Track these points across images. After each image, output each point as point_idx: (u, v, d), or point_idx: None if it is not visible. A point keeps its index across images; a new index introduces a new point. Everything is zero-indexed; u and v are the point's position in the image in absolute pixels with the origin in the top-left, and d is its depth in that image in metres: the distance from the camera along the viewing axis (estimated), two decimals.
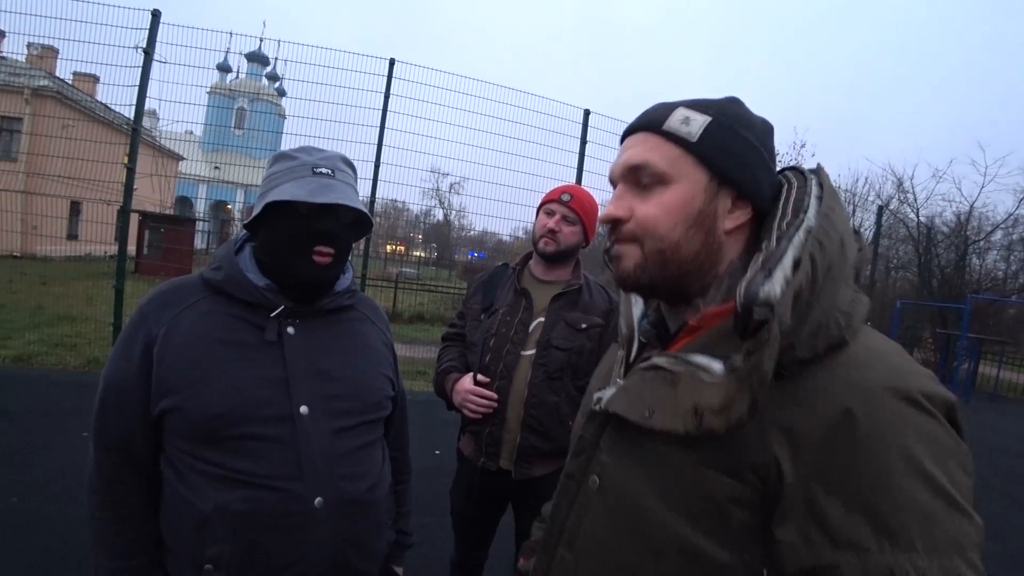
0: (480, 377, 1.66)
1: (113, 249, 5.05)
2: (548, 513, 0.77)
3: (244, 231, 1.05)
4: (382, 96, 5.38)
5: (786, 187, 0.63)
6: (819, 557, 0.47)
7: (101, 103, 7.74)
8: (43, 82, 11.54)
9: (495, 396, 1.63)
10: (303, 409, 0.93)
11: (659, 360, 0.62)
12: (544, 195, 1.77)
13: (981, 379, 10.46)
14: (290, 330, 0.97)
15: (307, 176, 0.95)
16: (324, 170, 0.96)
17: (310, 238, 0.95)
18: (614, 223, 0.65)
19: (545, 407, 1.62)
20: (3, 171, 6.64)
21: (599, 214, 0.68)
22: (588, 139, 6.06)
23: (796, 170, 0.66)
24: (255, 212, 0.98)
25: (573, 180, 5.93)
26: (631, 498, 0.61)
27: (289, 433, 0.91)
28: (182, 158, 14.15)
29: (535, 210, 1.82)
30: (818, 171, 0.64)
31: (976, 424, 7.34)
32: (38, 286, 7.29)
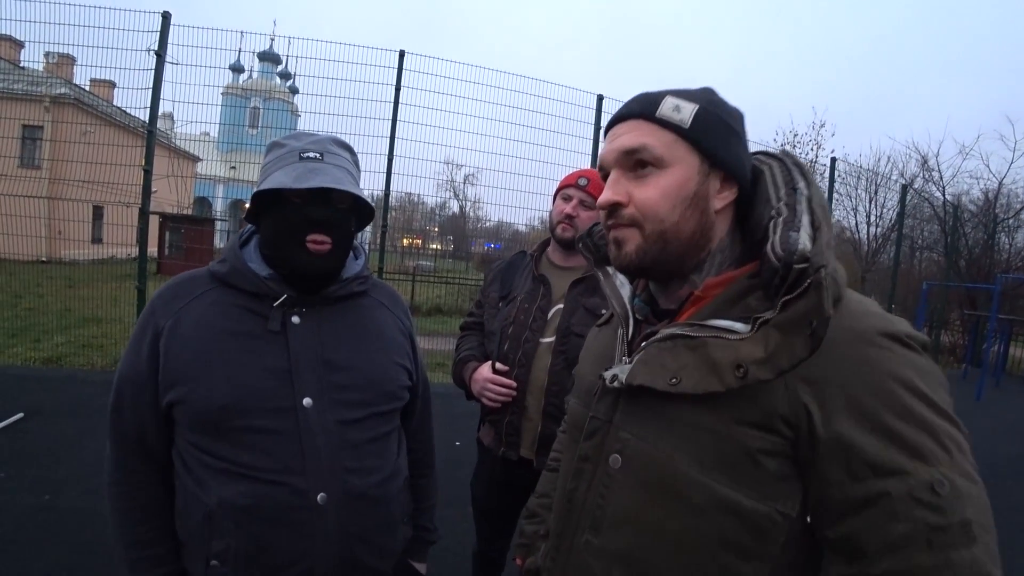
0: (499, 365, 1.64)
1: (135, 251, 5.13)
2: (559, 499, 0.77)
3: (250, 226, 1.03)
4: (393, 89, 5.35)
5: (769, 167, 0.70)
6: (868, 488, 0.54)
7: (118, 108, 7.85)
8: (62, 90, 11.74)
9: (514, 384, 1.60)
10: (306, 401, 0.91)
11: (674, 330, 0.65)
12: (561, 180, 1.73)
13: (1011, 361, 10.18)
14: (295, 319, 0.95)
15: (294, 162, 0.92)
16: (311, 154, 0.93)
17: (302, 226, 0.92)
18: (612, 208, 0.69)
19: (565, 394, 1.59)
20: (28, 178, 6.76)
21: (599, 200, 0.73)
22: (602, 125, 5.97)
23: (766, 154, 0.74)
24: (248, 205, 0.96)
25: (588, 166, 5.85)
26: (662, 466, 0.63)
27: (292, 426, 0.89)
28: (199, 159, 14.33)
29: (551, 197, 1.79)
30: (787, 153, 0.72)
31: (1006, 406, 7.15)
32: (65, 289, 7.44)
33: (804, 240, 0.58)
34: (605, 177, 0.72)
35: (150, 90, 4.77)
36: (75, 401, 4.10)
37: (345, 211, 0.97)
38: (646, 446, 0.65)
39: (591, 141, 5.99)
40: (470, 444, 1.87)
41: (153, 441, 0.94)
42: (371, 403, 0.98)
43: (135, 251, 5.13)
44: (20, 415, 3.66)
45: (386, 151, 5.39)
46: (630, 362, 0.68)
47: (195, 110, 5.43)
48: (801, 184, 0.65)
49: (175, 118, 6.21)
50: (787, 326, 0.56)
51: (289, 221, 0.92)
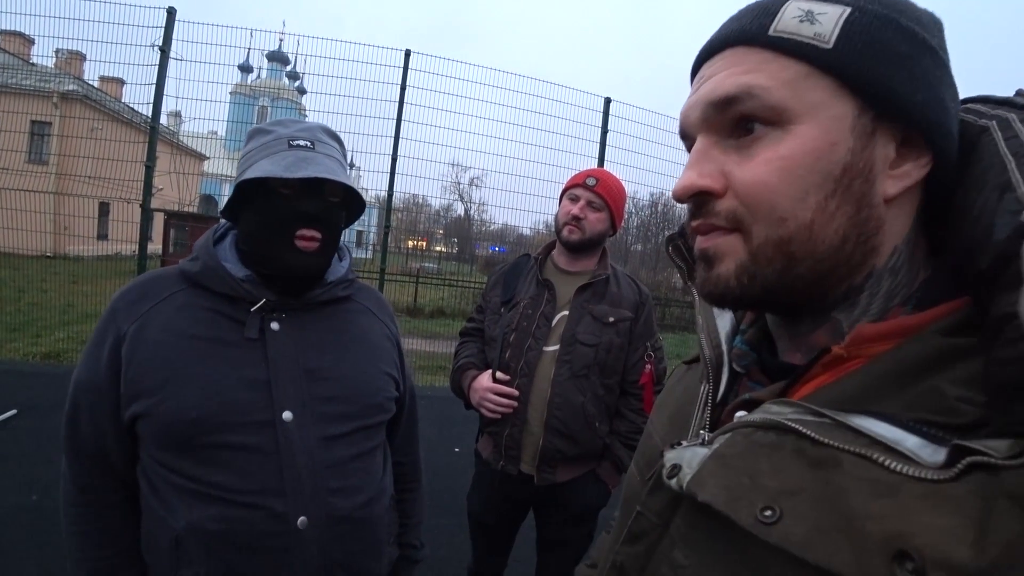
0: (499, 375, 1.56)
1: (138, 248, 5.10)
2: None
3: (224, 220, 0.94)
4: (398, 88, 5.31)
5: (1004, 123, 0.38)
6: None
7: (126, 105, 7.86)
8: (71, 86, 11.80)
9: (516, 394, 1.52)
10: (286, 415, 0.83)
11: (783, 414, 0.38)
12: (568, 180, 1.65)
13: None
14: (274, 326, 0.87)
15: (283, 150, 0.84)
16: (302, 142, 0.85)
17: (291, 221, 0.84)
18: (697, 200, 0.42)
19: (570, 407, 1.51)
20: (35, 174, 6.77)
21: (675, 187, 0.43)
22: (609, 128, 5.91)
23: (987, 101, 0.41)
24: (229, 196, 0.88)
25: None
26: None
27: (270, 442, 0.81)
28: (206, 157, 14.37)
29: (554, 202, 1.71)
30: None
31: None
32: (69, 285, 7.43)
33: None
34: (689, 148, 0.45)
35: (154, 86, 4.74)
36: None
37: (337, 205, 0.89)
38: None
39: (598, 144, 5.92)
40: (470, 450, 1.80)
41: (114, 458, 0.85)
42: (357, 416, 0.90)
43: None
44: (13, 411, 3.61)
45: (390, 151, 5.34)
46: (707, 443, 0.42)
47: (202, 108, 5.41)
48: None
49: (183, 116, 6.19)
50: None
51: (277, 214, 0.83)
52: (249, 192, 0.86)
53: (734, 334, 0.52)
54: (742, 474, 0.37)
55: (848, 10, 0.37)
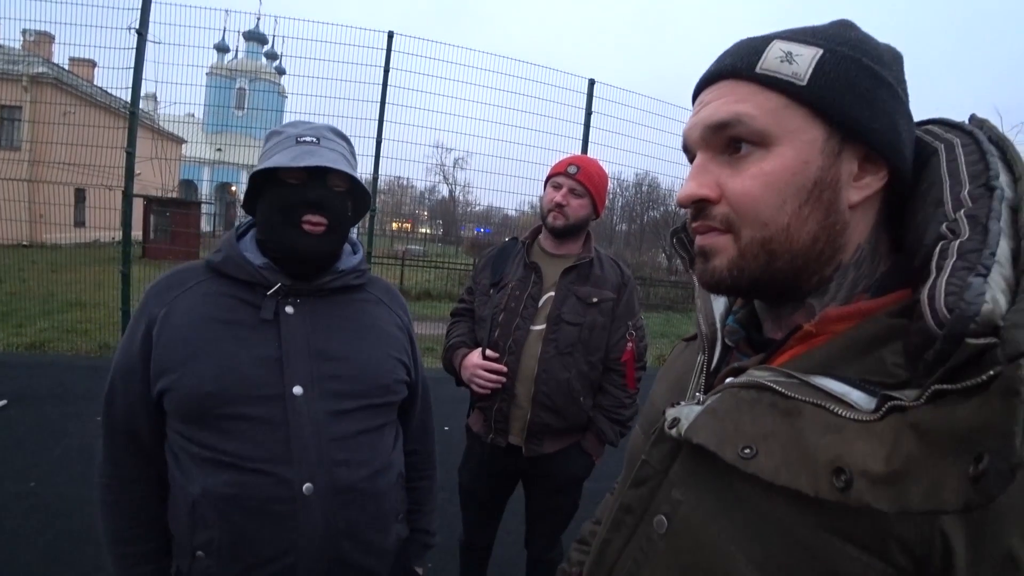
0: (489, 352, 1.63)
1: (120, 234, 5.05)
2: (595, 545, 0.64)
3: (248, 216, 1.02)
4: (382, 70, 5.27)
5: (948, 145, 0.47)
6: None
7: (100, 88, 7.66)
8: (41, 69, 11.42)
9: (505, 370, 1.60)
10: (296, 389, 0.89)
11: (762, 376, 0.47)
12: (551, 167, 1.71)
13: None
14: (289, 309, 0.94)
15: (291, 146, 0.92)
16: (308, 138, 0.93)
17: (298, 207, 0.91)
18: (697, 206, 0.50)
19: (556, 383, 1.60)
20: (7, 160, 6.61)
21: (679, 195, 0.53)
22: (593, 109, 5.94)
23: (942, 123, 0.50)
24: (245, 189, 0.96)
25: (579, 152, 5.82)
26: (711, 555, 0.47)
27: (280, 414, 0.88)
28: (184, 141, 14.06)
29: (539, 183, 1.77)
30: (983, 124, 0.48)
31: None
32: (48, 274, 7.32)
33: (994, 295, 0.36)
34: (691, 160, 0.54)
35: (131, 70, 4.65)
36: (60, 387, 4.05)
37: (341, 194, 0.96)
38: (699, 521, 0.48)
39: (582, 126, 5.95)
40: (458, 430, 1.87)
41: (145, 435, 0.92)
42: (364, 395, 0.96)
43: (119, 235, 5.04)
44: (3, 402, 3.61)
45: (375, 134, 5.32)
46: (702, 403, 0.52)
47: (179, 91, 5.34)
48: (1002, 180, 0.42)
49: (159, 99, 6.07)
50: (935, 437, 0.35)
51: (284, 201, 0.91)
52: (263, 185, 0.94)
53: (727, 314, 0.61)
54: (728, 422, 0.47)
55: (820, 52, 0.46)
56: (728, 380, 0.52)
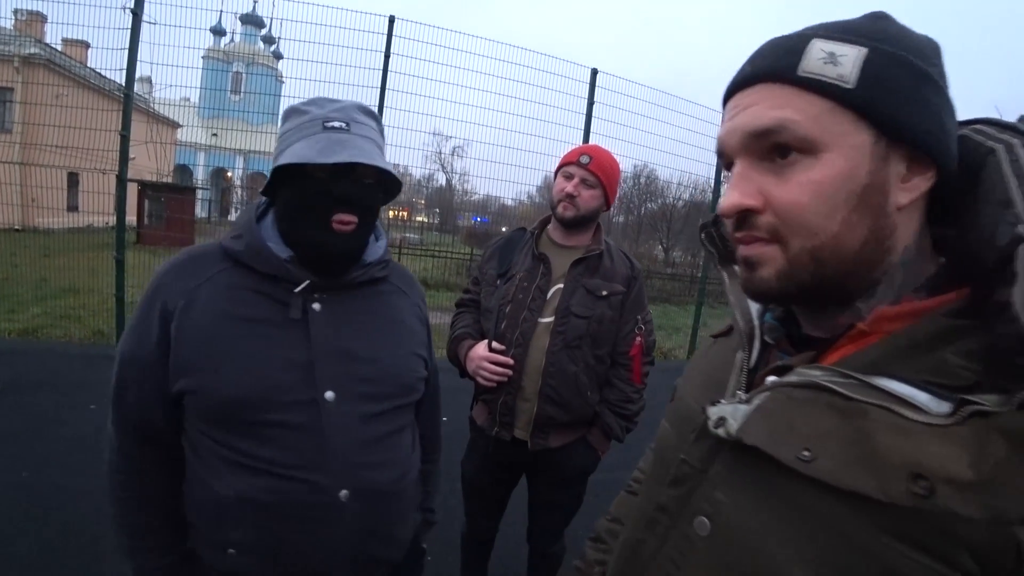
0: (495, 344, 1.60)
1: (114, 220, 4.97)
2: (623, 544, 0.62)
3: (264, 197, 0.96)
4: (382, 56, 5.18)
5: (1003, 147, 0.46)
6: None
7: (93, 70, 7.53)
8: (33, 49, 11.23)
9: (511, 363, 1.57)
10: (328, 395, 0.86)
11: (816, 375, 0.46)
12: (563, 157, 1.67)
13: None
14: (316, 307, 0.89)
15: (317, 132, 0.84)
16: (336, 123, 0.85)
17: (327, 205, 0.85)
18: (741, 216, 0.49)
19: (563, 376, 1.57)
20: None
21: (719, 206, 0.51)
22: (596, 100, 5.87)
23: (993, 123, 0.49)
24: (269, 178, 0.90)
25: (580, 143, 5.77)
26: (758, 557, 0.45)
27: (313, 420, 0.85)
28: (179, 125, 13.89)
29: (538, 173, 1.74)
30: None
31: None
32: (41, 259, 7.22)
33: None
34: (727, 166, 0.52)
35: (126, 51, 4.56)
36: (54, 375, 3.99)
37: (372, 186, 0.90)
38: (746, 522, 0.47)
39: (583, 116, 5.89)
40: (456, 420, 1.84)
41: (159, 428, 0.89)
42: (391, 396, 0.94)
43: (113, 220, 4.97)
44: None
45: None
46: (746, 401, 0.50)
47: (174, 73, 5.27)
48: None
49: (153, 82, 5.96)
50: None
51: (312, 198, 0.85)
52: (285, 173, 0.86)
53: (764, 311, 0.60)
54: (782, 423, 0.46)
55: (865, 51, 0.44)
56: (774, 379, 0.50)
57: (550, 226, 1.72)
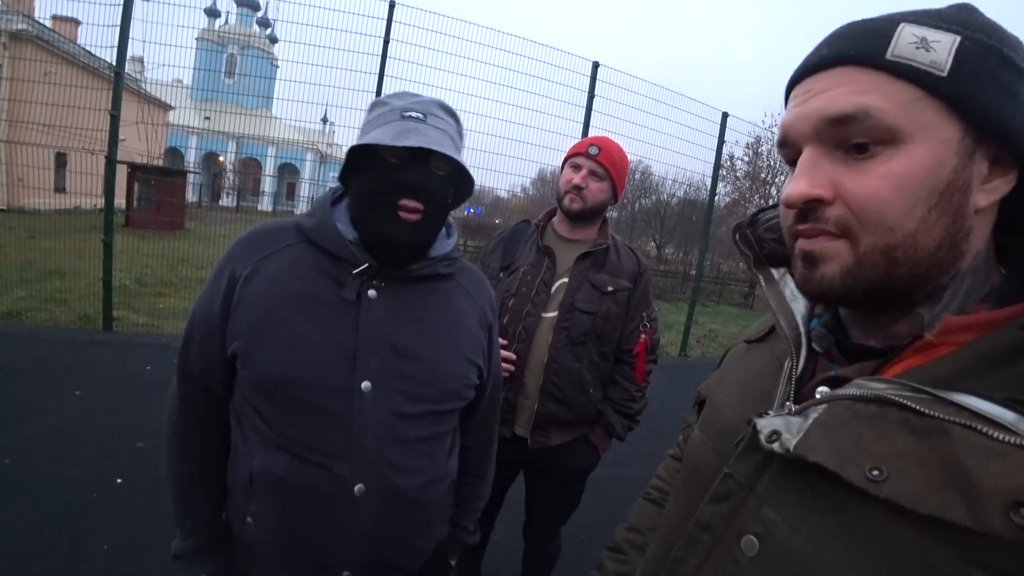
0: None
1: (102, 202, 4.86)
2: (658, 562, 0.59)
3: (340, 184, 0.96)
4: (381, 41, 5.10)
5: None
6: None
7: (83, 48, 7.36)
8: (21, 25, 10.98)
9: (514, 357, 1.53)
10: (365, 385, 0.85)
11: (882, 389, 0.42)
12: (570, 148, 1.63)
13: None
14: (372, 293, 0.88)
15: (395, 120, 0.85)
16: (414, 114, 0.86)
17: (394, 189, 0.84)
18: (809, 205, 0.45)
19: (566, 373, 1.53)
20: None
21: (784, 194, 0.46)
22: (596, 93, 5.82)
23: None
24: (344, 162, 0.90)
25: (580, 136, 5.72)
26: None
27: (346, 408, 0.84)
28: (171, 107, 13.67)
29: (534, 165, 1.70)
30: None
31: None
32: (26, 240, 7.08)
33: None
34: (791, 159, 0.49)
35: (118, 28, 4.44)
36: (38, 359, 3.90)
37: (443, 179, 0.88)
38: (800, 543, 0.43)
39: (583, 109, 5.84)
40: None
41: (216, 385, 0.92)
42: (431, 399, 0.91)
43: (101, 202, 4.86)
44: None
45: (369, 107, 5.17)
46: (798, 413, 0.47)
47: (167, 53, 5.13)
48: None
49: (145, 62, 5.83)
50: None
51: (381, 181, 0.85)
52: (361, 160, 0.88)
53: (811, 317, 0.56)
54: (848, 440, 0.42)
55: (959, 39, 0.41)
56: (825, 391, 0.47)
57: (555, 219, 1.67)
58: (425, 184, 0.85)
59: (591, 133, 5.79)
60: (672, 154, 6.67)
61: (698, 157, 6.97)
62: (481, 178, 6.15)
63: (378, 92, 5.13)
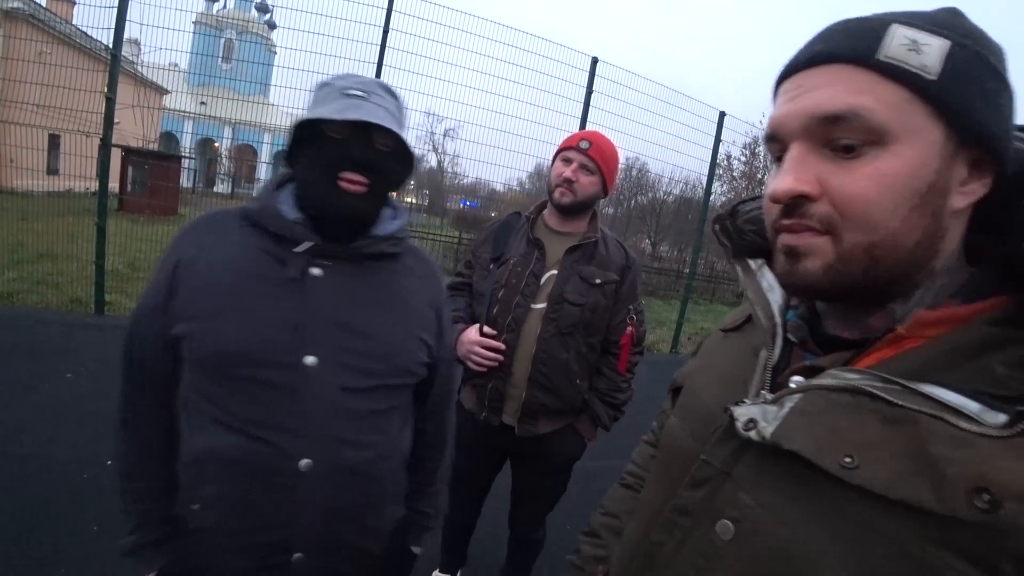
0: (487, 329, 1.59)
1: (95, 185, 4.83)
2: (636, 546, 0.60)
3: (287, 169, 0.97)
4: (380, 31, 5.08)
5: None
6: None
7: (78, 28, 7.28)
8: (15, 3, 10.84)
9: (503, 347, 1.56)
10: (309, 359, 0.85)
11: (856, 379, 0.44)
12: (562, 141, 1.65)
13: None
14: (316, 271, 0.89)
15: (337, 99, 0.86)
16: (356, 92, 0.87)
17: (338, 163, 0.86)
18: (795, 201, 0.46)
19: (555, 363, 1.56)
20: None
21: (771, 188, 0.48)
22: (595, 89, 5.83)
23: None
24: (288, 141, 0.91)
25: (577, 130, 5.73)
26: (790, 563, 0.44)
27: (291, 383, 0.84)
28: (167, 91, 13.54)
29: (531, 159, 1.72)
30: None
31: None
32: (17, 222, 7.00)
33: None
34: (778, 155, 0.50)
35: (115, 9, 4.41)
36: (28, 341, 3.90)
37: (386, 154, 0.90)
38: (774, 526, 0.45)
39: (581, 104, 5.85)
40: None
41: (161, 376, 0.91)
42: (379, 374, 0.92)
43: (95, 185, 4.83)
44: None
45: None
46: (774, 402, 0.49)
47: (163, 36, 5.09)
48: None
49: (141, 45, 5.78)
50: None
51: (325, 156, 0.86)
52: (305, 139, 0.89)
53: (787, 308, 0.58)
54: (824, 428, 0.44)
55: (949, 44, 0.42)
56: (800, 380, 0.49)
57: (546, 211, 1.70)
58: (368, 158, 0.87)
59: (588, 128, 5.80)
60: (670, 152, 6.70)
61: (695, 156, 6.99)
62: (478, 171, 6.16)
63: None
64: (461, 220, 14.57)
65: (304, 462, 0.84)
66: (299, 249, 0.87)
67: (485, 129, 5.87)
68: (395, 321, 0.96)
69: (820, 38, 0.47)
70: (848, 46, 0.44)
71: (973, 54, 0.42)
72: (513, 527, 1.90)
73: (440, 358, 1.06)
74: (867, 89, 0.43)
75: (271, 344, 0.84)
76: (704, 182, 7.26)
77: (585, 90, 5.82)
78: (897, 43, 0.43)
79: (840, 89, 0.44)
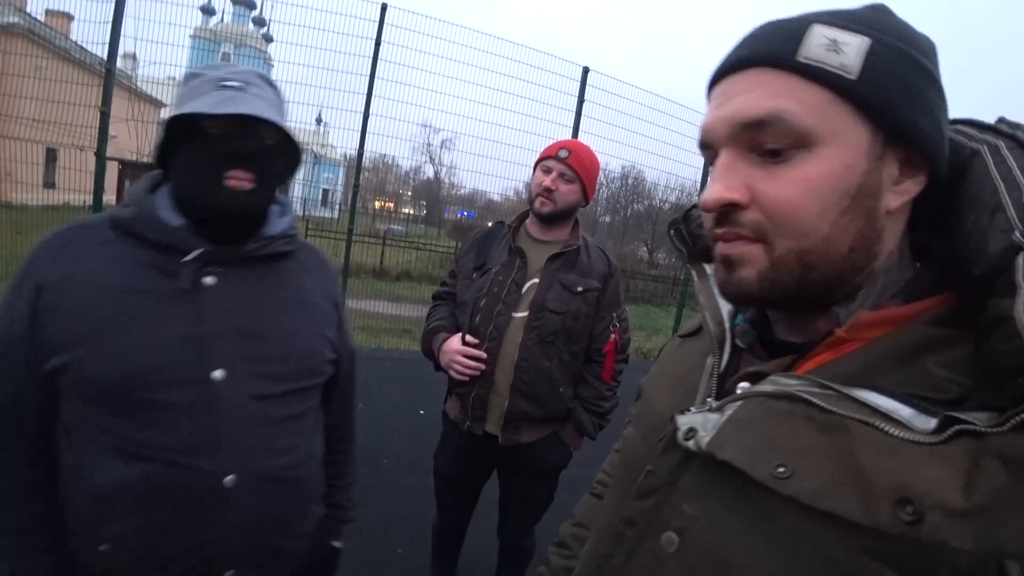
0: (469, 338, 1.60)
1: (92, 199, 4.85)
2: (590, 557, 0.59)
3: (159, 170, 0.89)
4: (373, 43, 5.13)
5: (986, 147, 0.44)
6: None
7: (75, 43, 7.33)
8: (13, 19, 10.93)
9: (484, 356, 1.57)
10: (217, 374, 0.81)
11: (792, 385, 0.43)
12: (542, 151, 1.67)
13: None
14: (209, 280, 0.83)
15: (212, 91, 0.80)
16: (232, 83, 0.81)
17: (221, 161, 0.80)
18: (725, 210, 0.45)
19: (537, 371, 1.57)
20: None
21: (701, 198, 0.46)
22: (586, 98, 5.88)
23: (974, 124, 0.47)
24: (158, 139, 0.84)
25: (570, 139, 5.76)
26: (730, 575, 0.43)
27: (202, 400, 0.79)
28: (163, 104, 13.62)
29: (527, 169, 1.74)
30: (1019, 127, 0.45)
31: None
32: (13, 235, 7.03)
33: None
34: (711, 159, 0.48)
35: (110, 24, 4.45)
36: None
37: (270, 147, 0.85)
38: (719, 538, 0.44)
39: (573, 114, 5.89)
40: (434, 413, 1.84)
41: (29, 413, 0.81)
42: (291, 378, 0.89)
43: (91, 199, 4.86)
44: None
45: (362, 108, 5.19)
46: (717, 409, 0.47)
47: (160, 51, 5.13)
48: None
49: (138, 58, 5.83)
50: None
51: (205, 154, 0.80)
52: (179, 135, 0.82)
53: (736, 313, 0.57)
54: (757, 436, 0.43)
55: (869, 42, 0.41)
56: (747, 387, 0.48)
57: (528, 220, 1.72)
58: (253, 152, 0.82)
59: (581, 137, 5.84)
60: (664, 160, 6.73)
61: (689, 163, 7.04)
62: (474, 182, 6.19)
63: (369, 93, 5.16)
64: (458, 230, 14.62)
65: (229, 478, 0.80)
66: (189, 258, 0.81)
67: (481, 140, 5.91)
68: (298, 322, 0.92)
69: (744, 42, 0.46)
70: (768, 49, 0.43)
71: (895, 51, 0.41)
72: (502, 537, 1.90)
73: (342, 352, 1.04)
74: (788, 92, 0.42)
75: (171, 363, 0.79)
76: (699, 189, 7.30)
77: (576, 100, 5.87)
78: (816, 43, 0.42)
79: (761, 93, 0.43)
